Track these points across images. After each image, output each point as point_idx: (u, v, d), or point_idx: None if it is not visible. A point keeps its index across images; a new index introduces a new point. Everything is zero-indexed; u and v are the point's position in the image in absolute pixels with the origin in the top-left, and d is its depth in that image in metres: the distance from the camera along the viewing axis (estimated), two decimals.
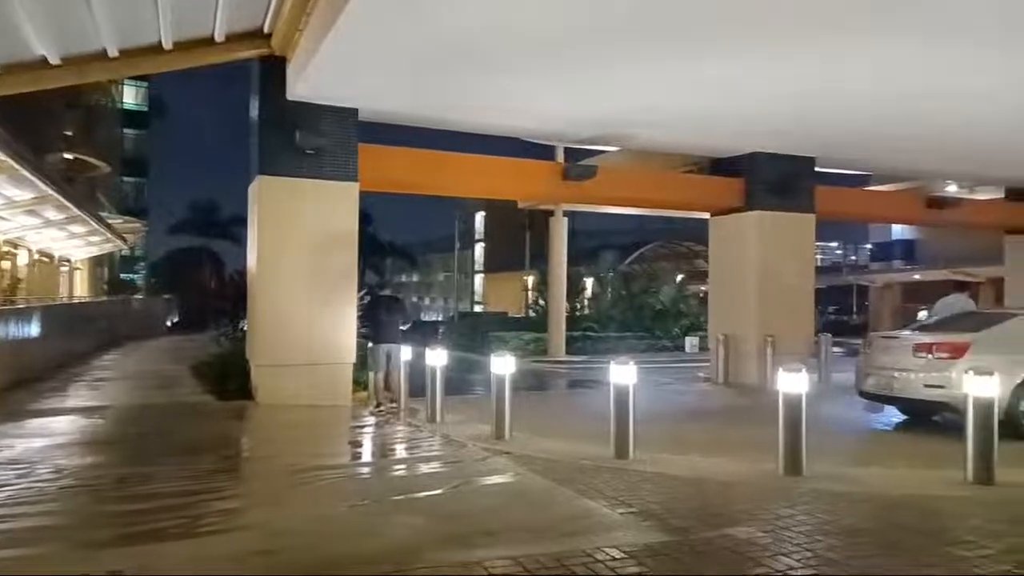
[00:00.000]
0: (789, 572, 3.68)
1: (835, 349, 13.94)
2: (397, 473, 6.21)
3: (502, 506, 4.96)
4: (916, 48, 7.26)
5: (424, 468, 6.21)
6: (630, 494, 5.11)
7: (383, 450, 7.33)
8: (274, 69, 9.13)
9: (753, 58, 7.71)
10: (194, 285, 30.33)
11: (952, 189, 14.98)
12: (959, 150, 11.71)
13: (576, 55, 7.78)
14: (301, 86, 8.69)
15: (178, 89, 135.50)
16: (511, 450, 6.55)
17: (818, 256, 37.88)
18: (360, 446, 7.67)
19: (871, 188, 17.16)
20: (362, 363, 9.90)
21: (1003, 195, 15.10)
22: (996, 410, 5.60)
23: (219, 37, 8.47)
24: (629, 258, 34.35)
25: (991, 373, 5.62)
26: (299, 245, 9.28)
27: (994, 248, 15.75)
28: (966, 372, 5.78)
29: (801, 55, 7.58)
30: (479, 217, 52.54)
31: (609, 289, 28.53)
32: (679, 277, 28.17)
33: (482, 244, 53.54)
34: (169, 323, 34.00)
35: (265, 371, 9.27)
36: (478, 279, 53.93)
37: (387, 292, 9.46)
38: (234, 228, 33.43)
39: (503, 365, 7.11)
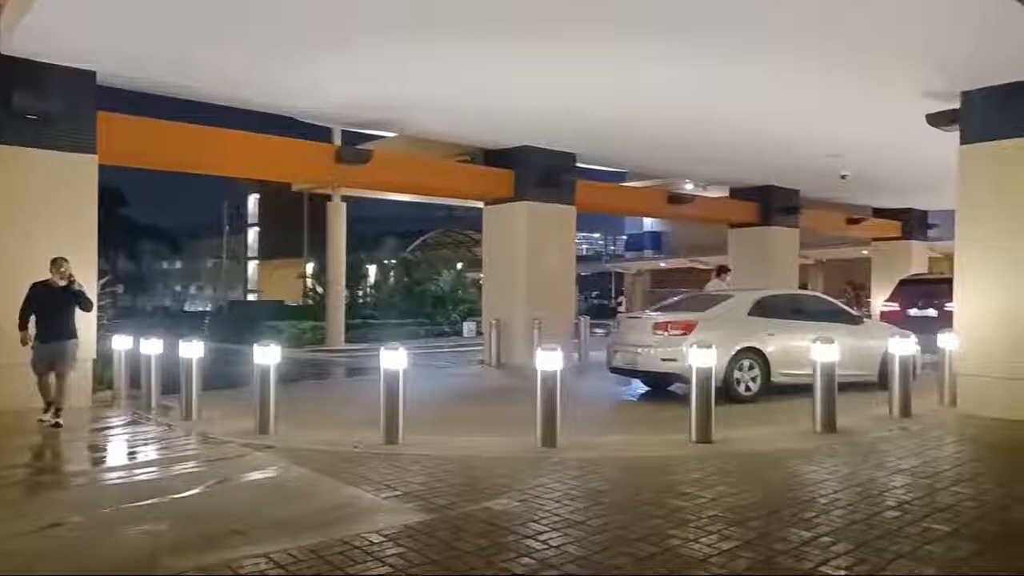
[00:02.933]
0: (538, 536, 3.97)
1: (597, 330, 15.27)
2: (142, 477, 5.63)
3: (259, 503, 4.74)
4: (661, 60, 8.06)
5: (175, 469, 5.71)
6: (396, 478, 5.16)
7: (128, 453, 6.61)
8: None
9: (519, 56, 8.05)
10: None
11: (689, 187, 17.02)
12: (696, 154, 13.31)
13: (347, 36, 7.57)
14: (18, 39, 7.45)
15: None
16: (275, 444, 6.27)
17: (582, 246, 41.24)
18: (100, 451, 6.85)
19: (624, 184, 18.92)
20: (105, 360, 8.86)
21: (728, 194, 17.49)
22: (714, 378, 6.51)
23: None
24: (411, 245, 34.50)
25: (710, 346, 6.50)
26: (19, 225, 7.99)
27: (722, 239, 18.18)
28: (691, 346, 6.63)
29: (561, 58, 8.07)
30: (252, 200, 49.35)
31: (391, 276, 28.47)
32: (459, 264, 28.90)
33: (256, 228, 50.41)
34: None
35: None
36: (252, 266, 50.72)
37: (64, 280, 7.60)
38: None
39: (267, 355, 6.76)
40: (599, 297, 38.46)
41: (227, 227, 47.27)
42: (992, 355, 7.76)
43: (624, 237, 40.34)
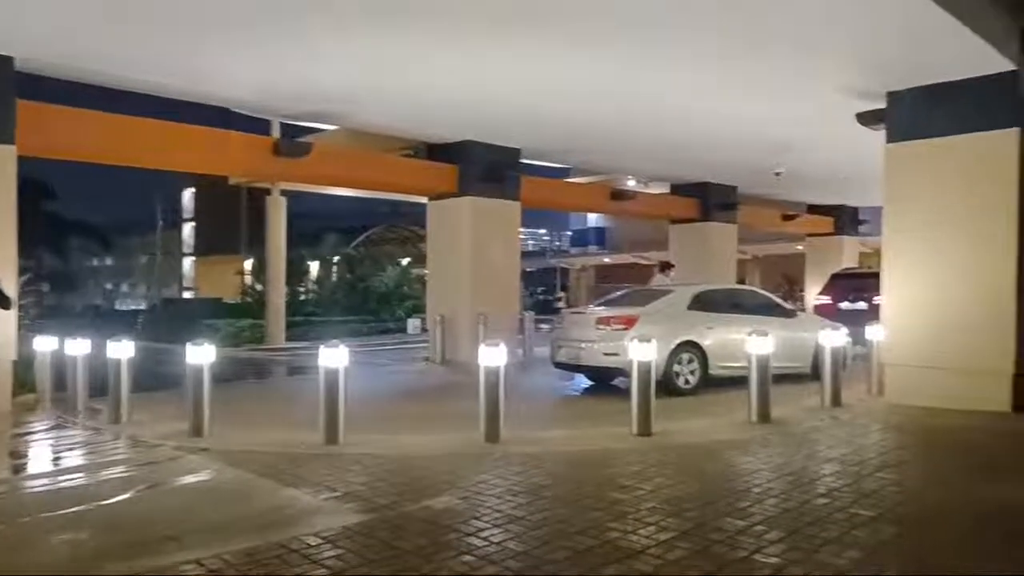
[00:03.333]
0: (479, 533, 3.96)
1: (543, 326, 15.34)
2: (68, 483, 5.38)
3: (192, 507, 4.59)
4: (605, 56, 8.11)
5: (102, 475, 5.47)
6: (336, 478, 5.07)
7: (51, 459, 6.33)
8: None
9: (461, 50, 7.98)
10: None
11: (631, 184, 17.25)
12: (637, 150, 13.49)
13: (286, 24, 7.35)
14: None
15: None
16: (210, 446, 6.08)
17: (528, 241, 41.41)
18: (22, 456, 6.52)
19: (568, 180, 19.05)
20: (28, 362, 8.44)
21: (669, 190, 17.80)
22: (654, 372, 6.61)
23: None
24: (355, 241, 34.03)
25: (650, 340, 6.60)
26: None
27: (664, 235, 18.50)
28: (632, 341, 6.72)
29: (504, 52, 8.04)
30: (187, 194, 47.80)
31: (334, 272, 28.02)
32: (405, 260, 28.64)
33: (192, 224, 48.85)
34: None
35: None
36: (188, 262, 49.14)
37: None
38: None
39: (200, 354, 6.55)
40: (545, 293, 38.67)
41: (161, 222, 45.60)
42: (916, 345, 8.11)
43: (569, 233, 40.65)
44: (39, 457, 6.46)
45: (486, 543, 3.80)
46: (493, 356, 6.14)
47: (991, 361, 7.59)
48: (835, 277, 15.49)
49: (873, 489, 4.80)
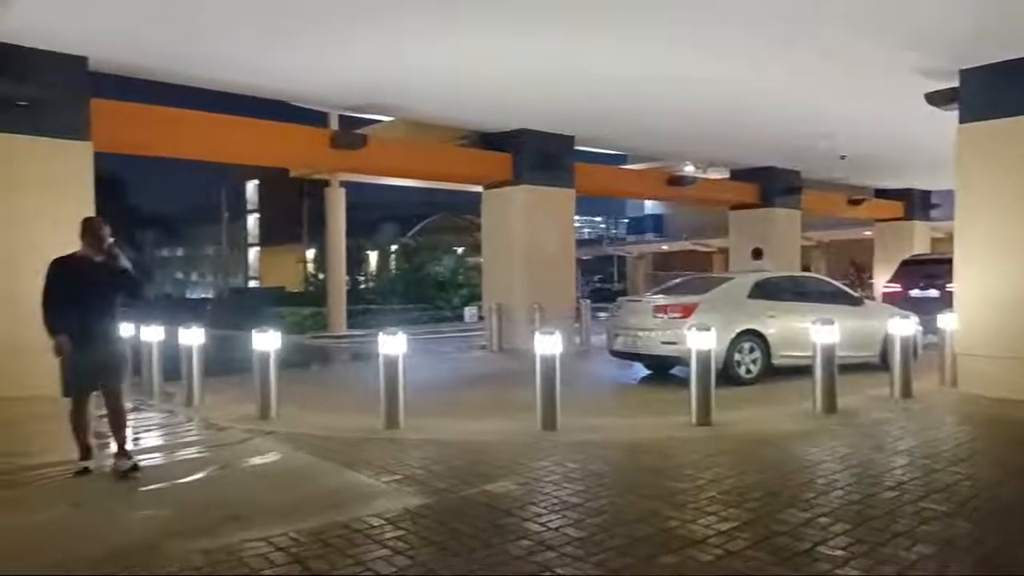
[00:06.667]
0: (537, 518, 3.99)
1: (601, 314, 15.27)
2: (147, 463, 5.66)
3: (260, 487, 4.77)
4: (660, 38, 7.98)
5: (176, 455, 5.74)
6: (396, 462, 5.19)
7: (132, 440, 6.61)
8: None
9: (515, 37, 7.96)
10: None
11: (689, 169, 16.92)
12: (695, 135, 13.22)
13: (341, 17, 7.48)
14: (6, 24, 7.39)
15: None
16: (277, 429, 6.31)
17: (584, 229, 41.13)
18: (105, 437, 6.84)
19: (624, 167, 18.81)
20: None
21: (728, 175, 17.40)
22: (713, 361, 6.50)
23: None
24: (412, 231, 34.51)
25: (709, 329, 6.49)
26: (12, 217, 7.96)
27: (724, 221, 18.11)
28: (690, 329, 6.63)
29: (558, 38, 7.98)
30: (251, 186, 49.25)
31: (392, 261, 28.49)
32: (461, 249, 28.88)
33: (256, 215, 50.36)
34: None
35: None
36: (252, 252, 50.72)
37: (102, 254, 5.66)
38: None
39: (267, 341, 6.78)
40: (602, 281, 38.49)
41: (226, 214, 47.14)
42: (990, 335, 7.75)
43: (626, 220, 40.24)
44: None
45: (544, 528, 3.83)
46: (548, 344, 6.15)
47: None
48: (905, 264, 14.91)
49: (945, 483, 4.63)
